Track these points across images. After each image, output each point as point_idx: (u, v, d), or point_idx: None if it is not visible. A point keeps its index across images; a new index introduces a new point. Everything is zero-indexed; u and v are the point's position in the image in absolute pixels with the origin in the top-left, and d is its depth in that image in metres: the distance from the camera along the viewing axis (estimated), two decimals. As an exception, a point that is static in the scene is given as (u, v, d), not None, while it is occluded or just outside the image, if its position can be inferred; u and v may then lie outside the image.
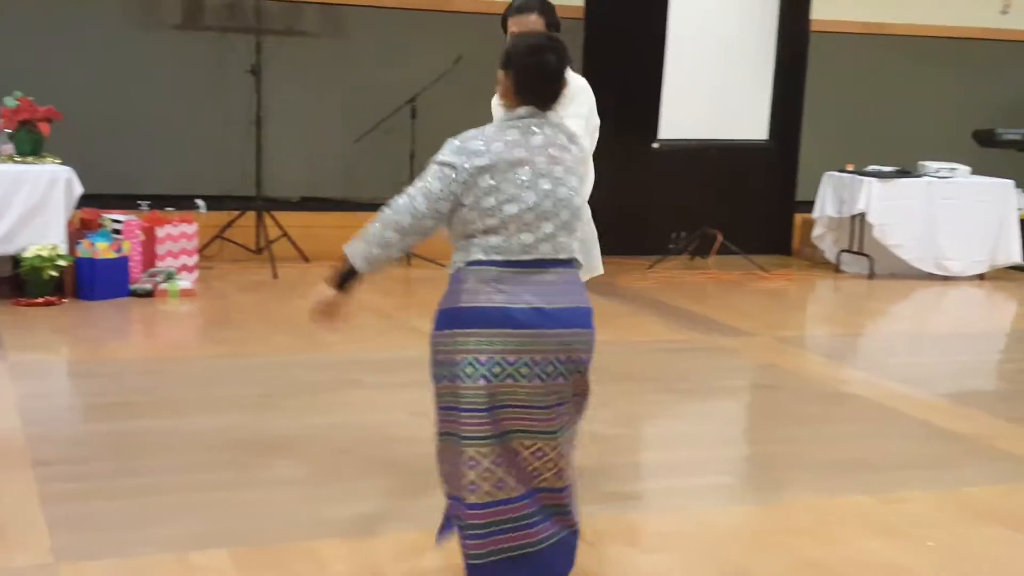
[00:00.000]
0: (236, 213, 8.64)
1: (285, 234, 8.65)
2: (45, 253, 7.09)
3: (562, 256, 3.19)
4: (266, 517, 4.05)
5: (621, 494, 4.23)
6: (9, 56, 8.26)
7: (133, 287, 7.48)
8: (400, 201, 3.18)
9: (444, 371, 3.16)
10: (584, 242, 3.75)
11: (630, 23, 9.14)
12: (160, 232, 7.64)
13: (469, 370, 3.09)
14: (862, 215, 9.29)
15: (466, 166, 3.10)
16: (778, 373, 6.44)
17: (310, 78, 8.94)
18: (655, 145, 8.85)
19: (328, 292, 3.37)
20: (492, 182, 3.10)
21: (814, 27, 10.15)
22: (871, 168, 9.48)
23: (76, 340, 6.55)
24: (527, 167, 3.13)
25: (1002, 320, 8.57)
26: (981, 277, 9.44)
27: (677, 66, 8.43)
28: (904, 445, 5.20)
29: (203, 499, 4.19)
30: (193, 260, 7.79)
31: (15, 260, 7.18)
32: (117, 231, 7.52)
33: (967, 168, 9.63)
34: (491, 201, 3.10)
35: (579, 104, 4.14)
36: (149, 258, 7.63)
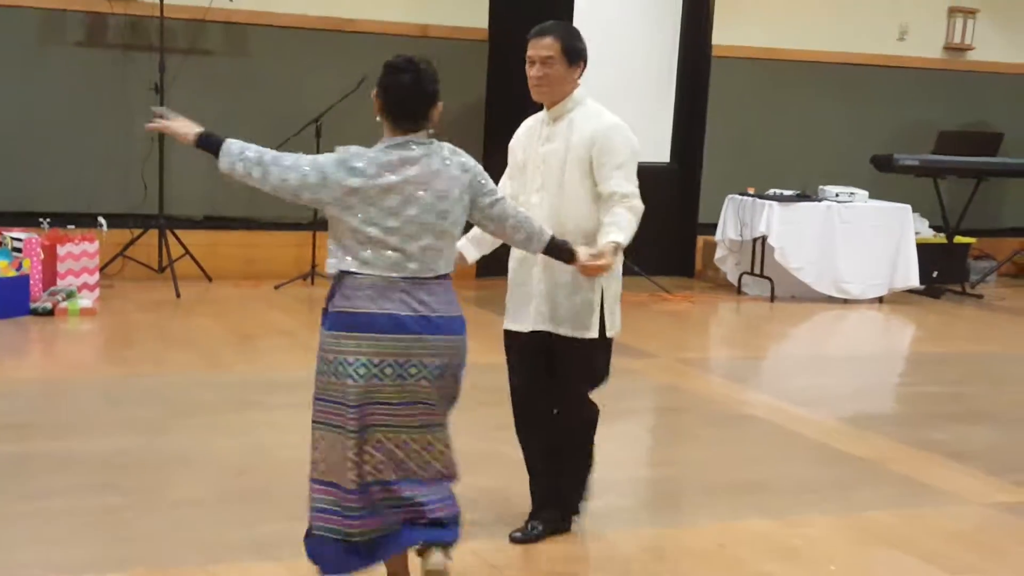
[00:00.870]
0: (138, 231, 8.56)
1: (188, 253, 8.60)
2: (-60, 271, 7.01)
3: (428, 275, 3.39)
4: (164, 540, 4.00)
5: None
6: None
7: (33, 306, 7.38)
8: (289, 160, 3.53)
9: (324, 366, 3.39)
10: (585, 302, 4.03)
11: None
12: (61, 250, 7.54)
13: (341, 369, 3.33)
14: (763, 238, 9.36)
15: (342, 183, 3.33)
16: (680, 395, 6.47)
17: (213, 96, 8.85)
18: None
19: (187, 131, 3.79)
20: (359, 203, 3.32)
21: (715, 52, 10.23)
22: (772, 191, 9.55)
23: (-29, 360, 6.47)
24: (396, 194, 3.32)
25: (900, 343, 8.70)
26: (880, 300, 9.55)
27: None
28: (804, 468, 5.23)
29: (100, 522, 4.13)
30: (94, 279, 7.70)
31: (-92, 278, 7.11)
32: (17, 249, 7.41)
33: (865, 192, 9.73)
34: (356, 221, 3.33)
35: (616, 155, 4.06)
36: (49, 276, 7.53)
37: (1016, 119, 10.78)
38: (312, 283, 8.69)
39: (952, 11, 11.09)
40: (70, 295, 7.51)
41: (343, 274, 3.37)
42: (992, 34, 11.21)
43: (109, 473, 4.66)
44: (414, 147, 3.37)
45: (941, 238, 10.25)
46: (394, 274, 3.33)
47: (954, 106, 11.04)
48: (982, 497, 4.91)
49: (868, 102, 10.80)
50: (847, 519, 4.55)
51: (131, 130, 8.63)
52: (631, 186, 4.04)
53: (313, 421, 3.43)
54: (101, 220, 8.29)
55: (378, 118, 3.44)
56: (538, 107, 4.14)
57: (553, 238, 3.68)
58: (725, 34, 10.27)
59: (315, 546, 3.42)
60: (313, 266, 8.77)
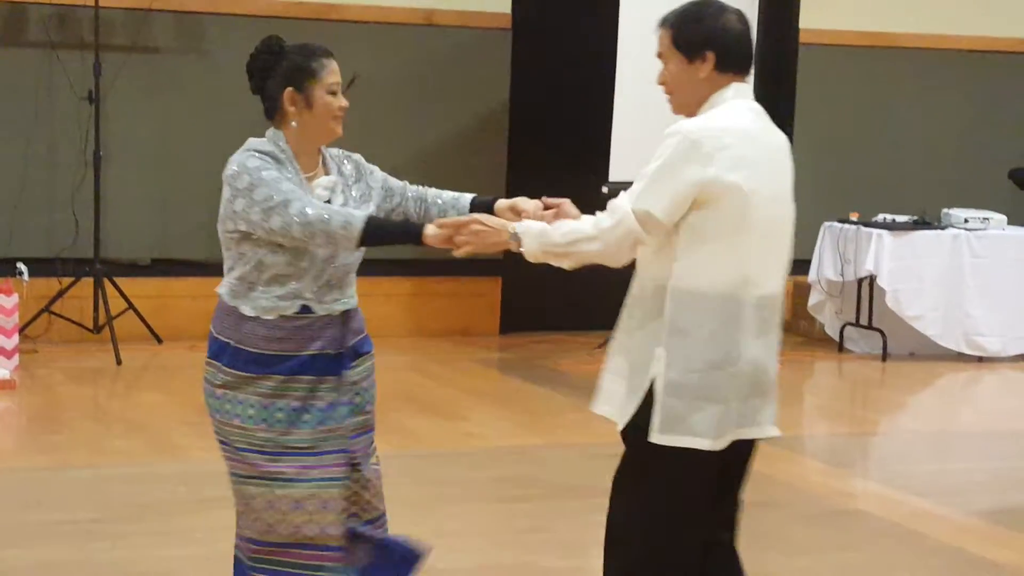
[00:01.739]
0: (68, 281, 8.59)
1: (131, 307, 8.62)
2: None
3: None
4: None
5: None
6: None
7: (-64, 376, 7.48)
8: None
9: None
10: None
11: (566, 30, 9.28)
12: (-30, 306, 7.65)
13: None
14: (871, 278, 9.34)
15: None
16: (767, 484, 6.35)
17: (163, 105, 8.95)
18: (604, 189, 8.90)
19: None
20: None
21: (803, 38, 10.20)
22: (881, 217, 9.51)
23: None
24: None
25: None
26: None
27: (632, 93, 8.54)
28: (930, 577, 5.22)
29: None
30: (12, 342, 7.73)
31: None
32: (-90, 305, 7.52)
33: (1003, 217, 9.70)
34: None
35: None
36: (-45, 339, 7.63)
37: None
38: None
39: (1109, -17, 11.13)
40: (-18, 363, 7.57)
41: None
42: None
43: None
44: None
45: (1103, 275, 10.21)
46: None
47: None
48: None
49: (1004, 100, 10.86)
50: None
51: (59, 151, 8.74)
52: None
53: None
54: (21, 267, 8.34)
55: None
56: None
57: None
58: (815, 16, 10.28)
59: None
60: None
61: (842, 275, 9.53)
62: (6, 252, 8.56)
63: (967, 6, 10.71)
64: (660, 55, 3.66)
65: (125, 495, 5.83)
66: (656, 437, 3.38)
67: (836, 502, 6.19)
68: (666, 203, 3.40)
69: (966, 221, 9.55)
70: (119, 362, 8.20)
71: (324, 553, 3.73)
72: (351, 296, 3.81)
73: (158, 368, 8.21)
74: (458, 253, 3.58)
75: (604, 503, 3.52)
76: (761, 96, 11.03)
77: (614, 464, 3.49)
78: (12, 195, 8.76)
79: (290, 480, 3.68)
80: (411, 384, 8.02)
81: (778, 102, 10.11)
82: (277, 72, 3.80)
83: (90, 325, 8.58)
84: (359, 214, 3.57)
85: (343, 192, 3.79)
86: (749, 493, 6.37)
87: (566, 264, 3.55)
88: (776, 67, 10.05)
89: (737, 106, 3.62)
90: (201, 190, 8.94)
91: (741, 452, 3.64)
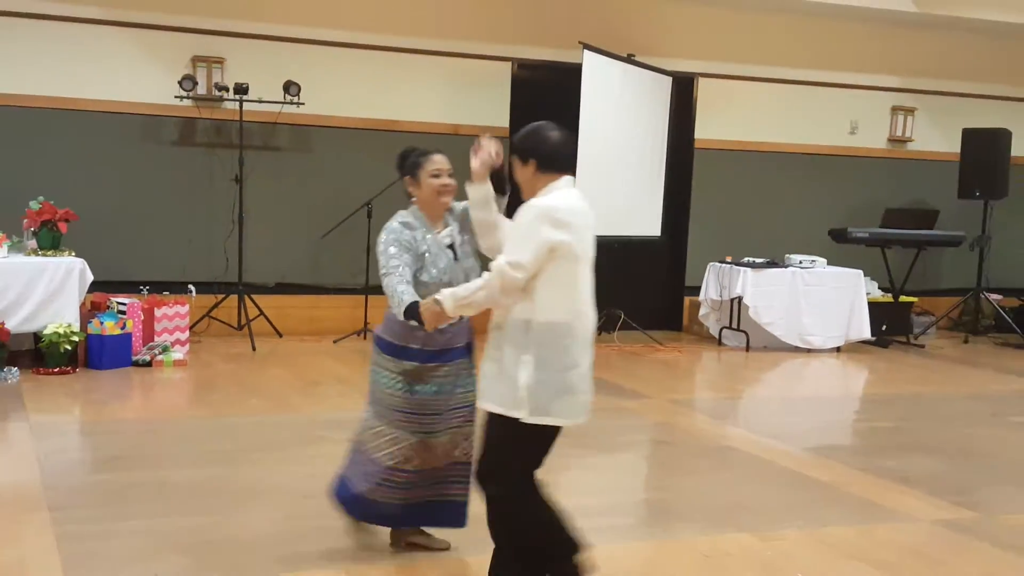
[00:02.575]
0: (221, 296, 8.63)
1: (262, 313, 8.66)
2: (61, 330, 7.08)
3: None
4: (245, 553, 4.01)
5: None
6: (34, 168, 8.23)
7: (135, 358, 7.45)
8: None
9: None
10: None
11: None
12: (158, 312, 7.62)
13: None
14: (739, 298, 9.36)
15: None
16: (671, 430, 6.45)
17: (283, 185, 8.95)
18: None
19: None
20: None
21: (697, 144, 10.27)
22: (746, 259, 9.56)
23: (86, 404, 6.50)
24: None
25: (855, 386, 8.61)
26: (837, 350, 9.52)
27: (588, 176, 8.61)
28: (776, 491, 5.20)
29: (190, 539, 4.14)
30: (185, 336, 7.75)
31: (36, 336, 7.18)
32: (122, 311, 7.49)
33: (824, 260, 9.73)
34: None
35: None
36: (148, 334, 7.60)
37: (948, 198, 10.78)
38: (364, 338, 8.71)
39: (895, 109, 11.15)
40: (165, 349, 7.58)
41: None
42: (928, 128, 11.26)
43: (196, 498, 4.69)
44: None
45: (888, 297, 10.25)
46: None
47: (897, 188, 11.05)
48: (926, 515, 4.89)
49: (825, 185, 10.83)
50: (812, 534, 4.53)
51: (216, 213, 8.74)
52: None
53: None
54: (191, 287, 8.37)
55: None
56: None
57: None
58: (706, 130, 10.33)
59: None
60: (366, 323, 8.80)
61: (721, 296, 9.57)
62: (181, 277, 8.56)
63: (804, 124, 10.71)
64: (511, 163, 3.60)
65: (257, 435, 5.86)
66: (529, 420, 3.32)
67: (716, 441, 6.20)
68: (532, 254, 3.32)
69: (800, 262, 9.61)
70: (254, 349, 8.23)
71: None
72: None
73: (279, 353, 8.24)
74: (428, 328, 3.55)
75: (564, 443, 3.50)
76: (670, 182, 10.97)
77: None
78: (187, 241, 8.77)
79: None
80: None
81: (681, 186, 10.18)
82: (404, 167, 3.90)
83: (235, 325, 8.60)
84: (407, 299, 3.55)
85: (458, 236, 3.91)
86: (661, 435, 6.47)
87: (471, 312, 3.50)
88: (680, 163, 10.10)
89: (566, 192, 3.51)
90: (305, 239, 9.03)
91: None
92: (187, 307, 7.83)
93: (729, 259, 9.65)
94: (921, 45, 10.98)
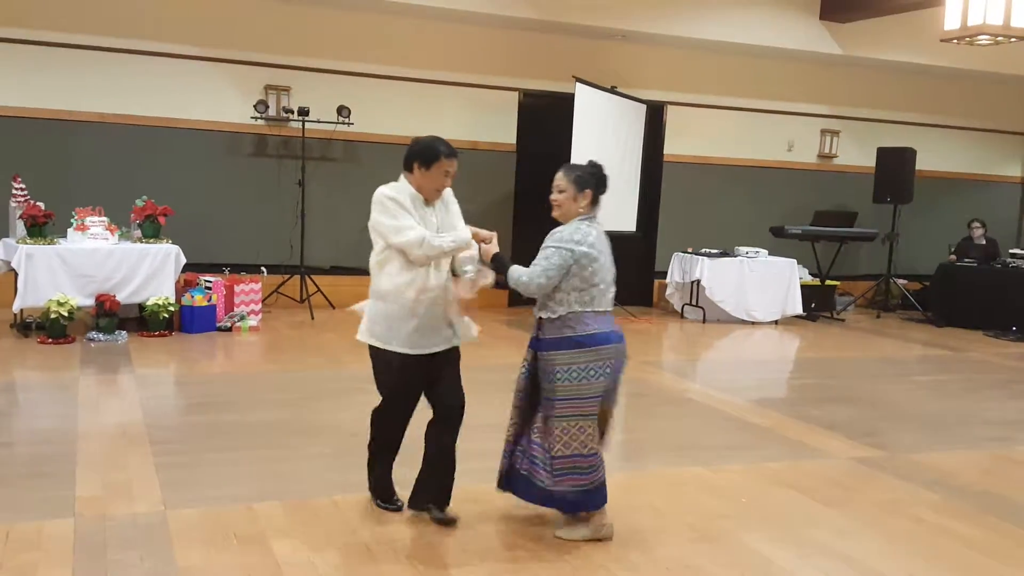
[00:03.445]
0: (287, 276, 8.65)
1: (319, 290, 8.68)
2: (161, 302, 7.10)
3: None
4: (305, 479, 4.03)
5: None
6: (140, 173, 8.24)
7: (219, 325, 7.46)
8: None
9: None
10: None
11: (547, 152, 9.30)
12: (237, 288, 7.63)
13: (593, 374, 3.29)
14: (698, 281, 9.35)
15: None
16: (642, 384, 6.43)
17: (336, 188, 8.95)
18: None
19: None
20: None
21: (666, 158, 10.26)
22: (703, 250, 9.54)
23: (180, 360, 6.52)
24: None
25: (789, 351, 8.57)
26: (776, 323, 9.50)
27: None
28: (725, 433, 5.22)
29: (261, 468, 4.17)
30: (258, 307, 7.77)
31: (140, 307, 7.20)
32: (208, 287, 7.50)
33: (766, 251, 9.70)
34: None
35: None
36: (229, 305, 7.62)
37: (865, 203, 10.76)
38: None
39: (823, 131, 11.09)
40: (242, 318, 7.59)
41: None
42: (849, 147, 11.20)
43: (267, 435, 4.71)
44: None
45: (816, 281, 10.21)
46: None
47: (824, 194, 11.01)
48: (844, 453, 4.89)
49: (767, 191, 10.78)
50: (754, 467, 4.54)
51: (283, 210, 8.74)
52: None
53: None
54: (263, 268, 8.39)
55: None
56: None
57: None
58: (672, 147, 10.31)
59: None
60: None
61: (683, 279, 9.54)
62: (256, 260, 8.57)
63: (750, 143, 10.67)
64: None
65: (315, 385, 5.85)
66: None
67: (678, 394, 6.19)
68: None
69: (747, 252, 9.57)
70: (312, 318, 8.24)
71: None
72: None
73: (333, 321, 8.25)
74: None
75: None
76: (644, 188, 10.84)
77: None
78: (260, 232, 8.77)
79: None
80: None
81: (653, 192, 10.17)
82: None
83: (298, 299, 8.61)
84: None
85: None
86: (634, 388, 6.46)
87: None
88: (652, 174, 10.07)
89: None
90: (354, 230, 8.97)
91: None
92: (260, 284, 7.84)
93: (690, 250, 9.64)
94: (845, 80, 10.92)
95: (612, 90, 9.26)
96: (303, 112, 8.35)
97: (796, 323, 9.68)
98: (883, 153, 10.58)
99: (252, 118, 8.47)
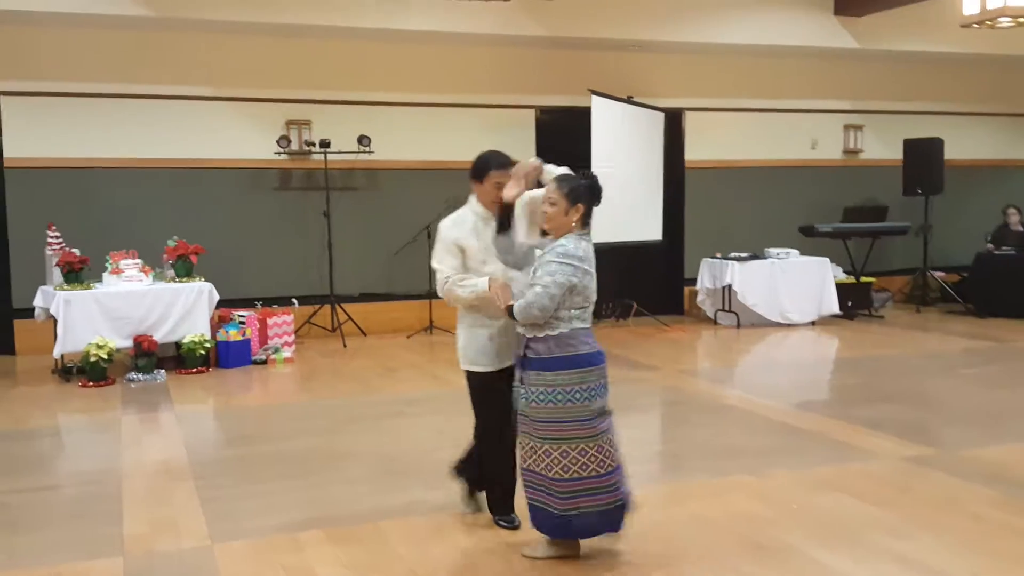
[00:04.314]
0: (318, 306, 8.67)
1: (350, 318, 8.70)
2: (196, 339, 7.15)
3: None
4: (345, 506, 4.02)
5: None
6: (170, 214, 8.34)
7: (253, 358, 7.50)
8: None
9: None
10: None
11: (567, 166, 9.28)
12: (269, 321, 7.67)
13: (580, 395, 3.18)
14: (729, 286, 9.25)
15: None
16: (679, 393, 6.39)
17: (361, 216, 8.96)
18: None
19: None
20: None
21: (687, 164, 10.20)
22: (732, 254, 9.43)
23: (218, 395, 6.56)
24: None
25: (828, 352, 8.46)
26: (812, 324, 9.35)
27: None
28: (768, 439, 5.14)
29: (302, 496, 4.17)
30: (291, 338, 7.80)
31: (177, 344, 7.27)
32: (242, 322, 7.55)
33: (796, 251, 9.58)
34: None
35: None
36: (263, 338, 7.66)
37: (895, 196, 10.62)
38: (431, 333, 8.73)
39: (847, 127, 10.96)
40: (276, 350, 7.63)
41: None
42: (873, 141, 11.06)
43: (307, 463, 4.71)
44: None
45: (851, 279, 10.05)
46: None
47: (852, 190, 10.85)
48: (894, 453, 4.80)
49: (793, 191, 10.66)
50: (801, 472, 4.46)
51: (310, 241, 8.78)
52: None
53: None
54: (294, 300, 8.43)
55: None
56: None
57: None
58: (693, 152, 10.24)
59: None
60: (431, 321, 8.80)
61: (714, 285, 9.45)
62: (287, 292, 8.61)
63: (773, 143, 10.57)
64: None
65: (349, 411, 5.85)
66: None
67: (716, 401, 6.12)
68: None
69: (777, 254, 9.47)
70: (344, 345, 8.26)
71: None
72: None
73: (364, 348, 8.27)
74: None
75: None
76: (667, 196, 10.81)
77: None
78: (289, 264, 8.81)
79: None
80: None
81: (676, 199, 10.11)
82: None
83: (330, 328, 8.64)
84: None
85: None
86: (671, 397, 6.40)
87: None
88: (675, 181, 10.02)
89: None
90: (380, 257, 9.03)
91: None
92: (292, 316, 7.88)
93: (719, 255, 9.53)
94: (864, 74, 10.80)
95: (628, 100, 9.25)
96: (324, 144, 8.42)
97: (834, 323, 9.53)
98: (910, 145, 10.45)
99: (275, 153, 8.55)
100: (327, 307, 8.66)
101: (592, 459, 3.21)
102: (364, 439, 5.15)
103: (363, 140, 8.59)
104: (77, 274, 7.10)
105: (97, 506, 4.09)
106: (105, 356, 6.74)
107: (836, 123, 10.92)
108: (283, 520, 3.86)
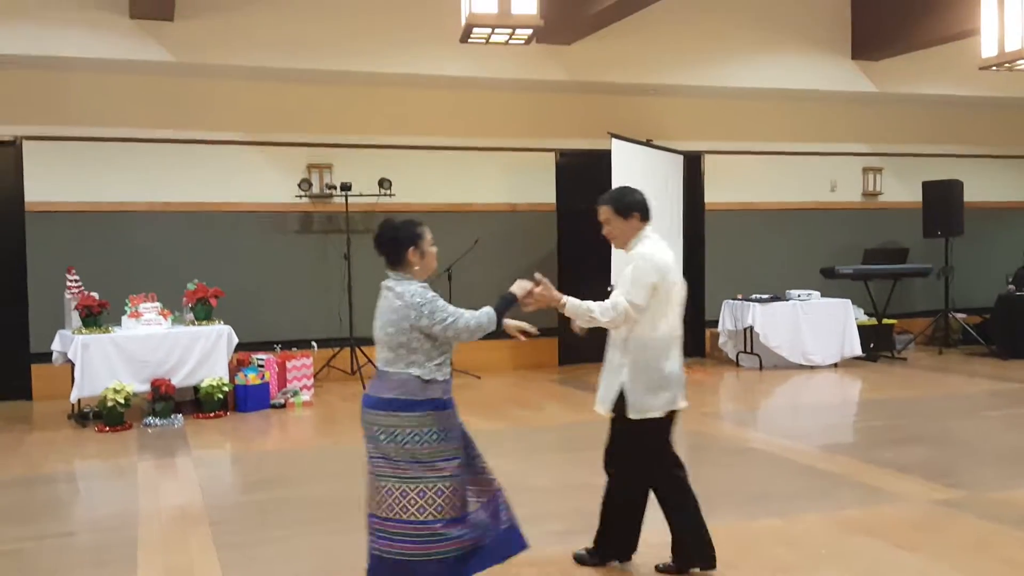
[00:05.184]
0: (337, 349, 8.65)
1: (370, 361, 8.65)
2: (215, 383, 7.13)
3: (380, 367, 3.31)
4: (363, 553, 3.87)
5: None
6: (189, 257, 8.39)
7: (272, 402, 7.47)
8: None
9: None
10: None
11: (587, 209, 9.30)
12: (288, 364, 7.64)
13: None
14: (751, 327, 9.20)
15: None
16: (703, 436, 6.30)
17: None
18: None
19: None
20: None
21: (707, 207, 10.20)
22: (754, 296, 9.40)
23: (236, 439, 6.52)
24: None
25: (851, 394, 8.35)
26: (835, 365, 9.27)
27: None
28: (794, 482, 5.05)
29: (321, 543, 4.11)
30: (311, 382, 7.76)
31: (195, 388, 7.24)
32: (261, 365, 7.53)
33: (818, 292, 9.54)
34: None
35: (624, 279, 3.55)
36: (282, 382, 7.63)
37: (915, 238, 10.55)
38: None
39: (866, 169, 10.94)
40: (295, 394, 7.59)
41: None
42: (893, 183, 11.02)
43: (325, 509, 4.65)
44: (385, 283, 3.29)
45: (873, 321, 9.96)
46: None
47: (872, 232, 10.81)
48: (923, 496, 4.69)
49: (814, 233, 10.63)
50: (829, 516, 4.37)
51: (330, 283, 8.80)
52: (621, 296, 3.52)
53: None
54: (313, 343, 8.41)
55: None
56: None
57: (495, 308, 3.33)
58: (713, 195, 10.25)
59: None
60: (452, 364, 8.72)
61: (735, 327, 9.40)
62: (306, 335, 8.60)
63: (792, 185, 10.58)
64: (606, 220, 3.60)
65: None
66: (632, 415, 3.48)
67: (740, 444, 6.05)
68: (644, 295, 3.42)
69: (799, 295, 9.43)
70: (364, 389, 8.15)
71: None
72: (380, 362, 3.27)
73: (385, 392, 8.19)
74: (526, 308, 3.47)
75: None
76: (687, 238, 10.73)
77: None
78: (308, 307, 8.83)
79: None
80: (514, 392, 7.95)
81: (696, 241, 10.08)
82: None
83: (349, 371, 8.60)
84: (487, 311, 3.40)
85: None
86: (694, 441, 6.29)
87: (583, 323, 3.53)
88: (694, 223, 10.00)
89: (654, 238, 3.59)
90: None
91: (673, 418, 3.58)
92: (311, 359, 7.84)
93: (740, 296, 9.50)
94: (883, 116, 10.80)
95: (648, 143, 9.26)
96: (346, 187, 8.46)
97: (856, 364, 9.42)
98: (929, 187, 10.40)
99: (297, 196, 8.61)
100: (347, 350, 8.63)
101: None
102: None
103: (384, 183, 8.63)
104: (96, 318, 7.11)
105: (112, 553, 4.02)
106: (122, 400, 6.71)
107: (855, 165, 10.89)
108: (300, 568, 3.79)
